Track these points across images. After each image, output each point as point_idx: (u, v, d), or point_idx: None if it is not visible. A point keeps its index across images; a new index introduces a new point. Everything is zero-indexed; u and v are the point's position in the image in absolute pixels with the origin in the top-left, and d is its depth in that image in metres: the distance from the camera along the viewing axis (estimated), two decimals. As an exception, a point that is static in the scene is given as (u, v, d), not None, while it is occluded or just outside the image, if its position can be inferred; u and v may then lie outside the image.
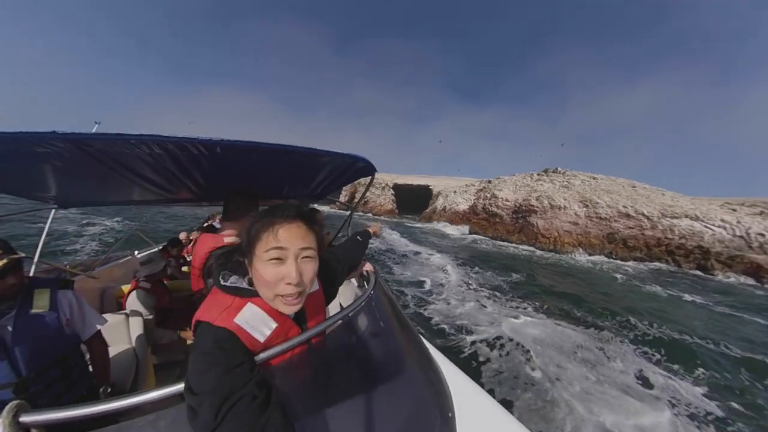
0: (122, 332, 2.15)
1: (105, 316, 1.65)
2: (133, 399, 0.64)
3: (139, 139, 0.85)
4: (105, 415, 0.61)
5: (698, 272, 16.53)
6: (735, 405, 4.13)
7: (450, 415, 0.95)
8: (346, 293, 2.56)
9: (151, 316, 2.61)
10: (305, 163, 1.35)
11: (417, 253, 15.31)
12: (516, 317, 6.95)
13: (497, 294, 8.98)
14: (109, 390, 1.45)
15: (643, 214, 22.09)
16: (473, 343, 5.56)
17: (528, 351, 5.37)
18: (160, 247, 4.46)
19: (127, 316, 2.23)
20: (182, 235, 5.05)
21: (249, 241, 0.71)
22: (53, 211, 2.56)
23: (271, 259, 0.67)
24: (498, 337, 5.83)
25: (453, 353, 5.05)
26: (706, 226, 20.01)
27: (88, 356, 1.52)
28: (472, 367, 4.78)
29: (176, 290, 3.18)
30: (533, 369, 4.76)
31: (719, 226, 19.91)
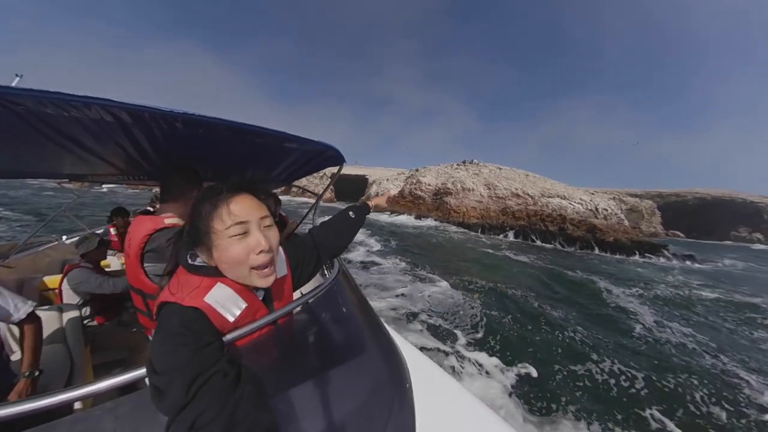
0: (54, 328, 1.81)
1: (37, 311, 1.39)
2: (64, 395, 0.56)
3: (85, 102, 0.73)
4: (29, 415, 0.55)
5: (555, 245, 21.48)
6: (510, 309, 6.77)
7: (408, 385, 1.03)
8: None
9: (88, 308, 2.24)
10: (274, 146, 1.30)
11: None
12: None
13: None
14: (37, 374, 1.23)
15: (528, 194, 27.25)
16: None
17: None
18: (99, 230, 3.82)
19: (61, 309, 1.91)
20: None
21: (202, 223, 0.66)
22: None
23: (234, 236, 0.65)
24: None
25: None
26: (570, 203, 25.68)
27: (12, 351, 1.33)
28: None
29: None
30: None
31: (578, 203, 25.75)
